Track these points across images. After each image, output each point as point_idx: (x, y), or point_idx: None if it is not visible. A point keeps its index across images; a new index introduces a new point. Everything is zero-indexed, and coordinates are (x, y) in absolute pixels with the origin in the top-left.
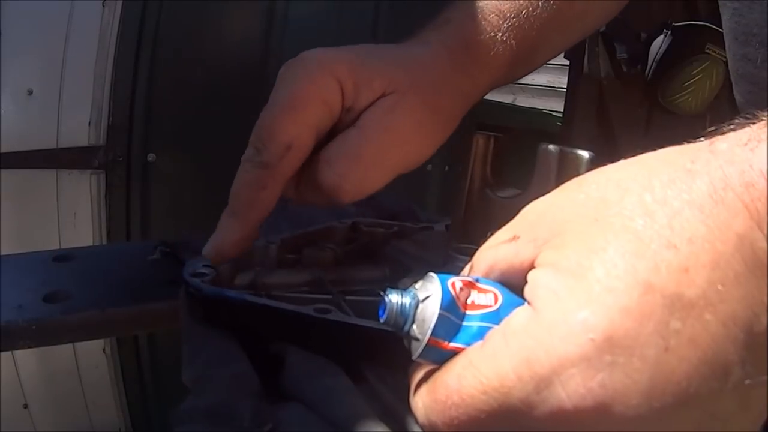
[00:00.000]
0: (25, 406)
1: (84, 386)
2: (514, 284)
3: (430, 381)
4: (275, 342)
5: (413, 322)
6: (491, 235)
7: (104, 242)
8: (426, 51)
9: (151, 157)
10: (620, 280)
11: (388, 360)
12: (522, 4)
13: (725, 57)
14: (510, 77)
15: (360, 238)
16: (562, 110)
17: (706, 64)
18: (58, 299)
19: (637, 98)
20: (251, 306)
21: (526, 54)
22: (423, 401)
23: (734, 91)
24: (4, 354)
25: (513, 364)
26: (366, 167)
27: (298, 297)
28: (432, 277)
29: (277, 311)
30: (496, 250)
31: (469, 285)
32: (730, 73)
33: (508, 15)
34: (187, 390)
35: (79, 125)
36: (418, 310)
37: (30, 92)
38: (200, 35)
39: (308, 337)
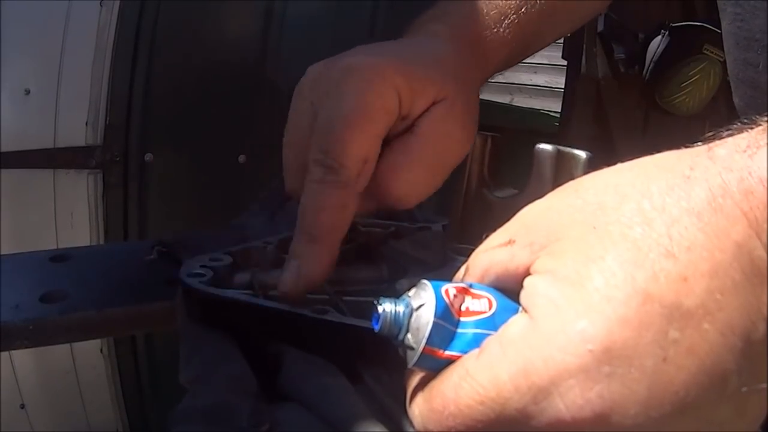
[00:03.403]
0: (22, 407)
1: (81, 386)
2: (509, 289)
3: (427, 390)
4: (273, 342)
5: (407, 331)
6: (487, 236)
7: (101, 242)
8: (449, 50)
9: (148, 156)
10: (619, 289)
11: (384, 360)
12: (520, 3)
13: (723, 57)
14: (500, 70)
15: (357, 238)
16: (559, 110)
17: (704, 64)
18: (55, 299)
19: (635, 99)
20: (249, 306)
21: (520, 49)
22: (420, 410)
23: (733, 96)
24: (1, 354)
25: (510, 374)
26: (430, 173)
27: None
28: (425, 284)
29: (274, 311)
30: (492, 254)
31: (463, 291)
32: (730, 78)
33: (507, 12)
34: (184, 390)
35: (77, 125)
36: (412, 319)
37: (27, 92)
38: (198, 35)
39: (305, 338)
